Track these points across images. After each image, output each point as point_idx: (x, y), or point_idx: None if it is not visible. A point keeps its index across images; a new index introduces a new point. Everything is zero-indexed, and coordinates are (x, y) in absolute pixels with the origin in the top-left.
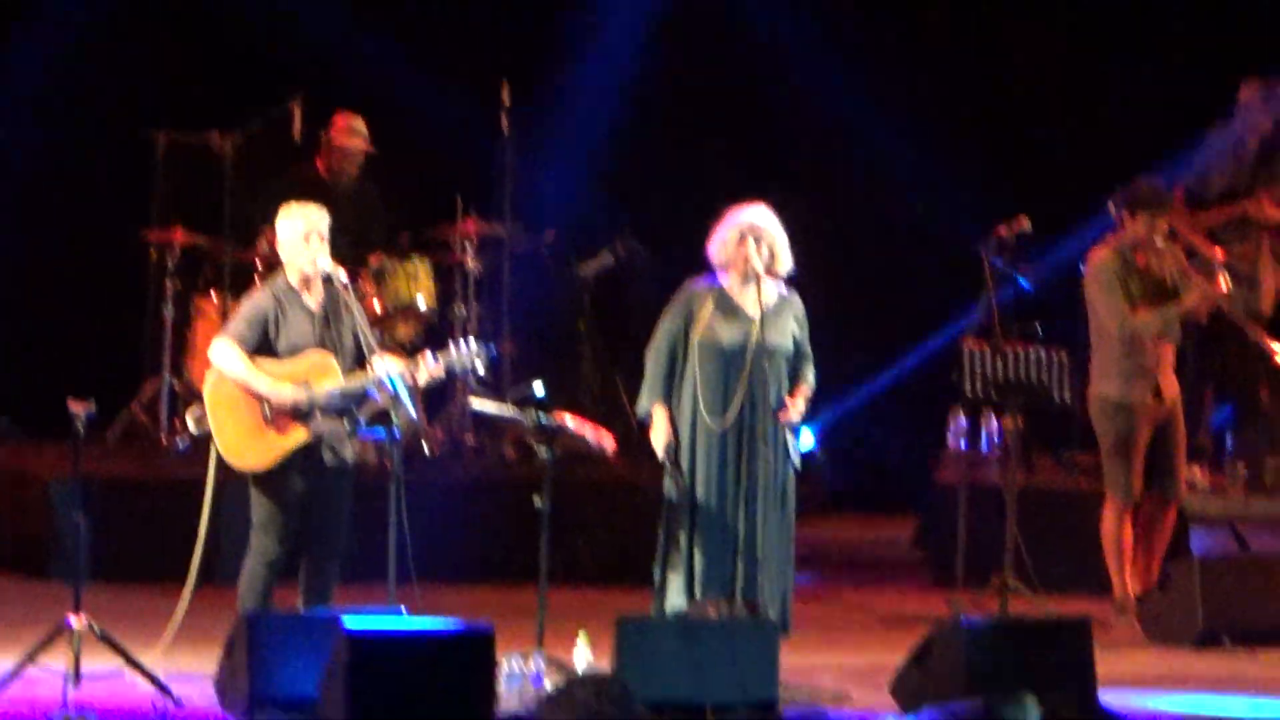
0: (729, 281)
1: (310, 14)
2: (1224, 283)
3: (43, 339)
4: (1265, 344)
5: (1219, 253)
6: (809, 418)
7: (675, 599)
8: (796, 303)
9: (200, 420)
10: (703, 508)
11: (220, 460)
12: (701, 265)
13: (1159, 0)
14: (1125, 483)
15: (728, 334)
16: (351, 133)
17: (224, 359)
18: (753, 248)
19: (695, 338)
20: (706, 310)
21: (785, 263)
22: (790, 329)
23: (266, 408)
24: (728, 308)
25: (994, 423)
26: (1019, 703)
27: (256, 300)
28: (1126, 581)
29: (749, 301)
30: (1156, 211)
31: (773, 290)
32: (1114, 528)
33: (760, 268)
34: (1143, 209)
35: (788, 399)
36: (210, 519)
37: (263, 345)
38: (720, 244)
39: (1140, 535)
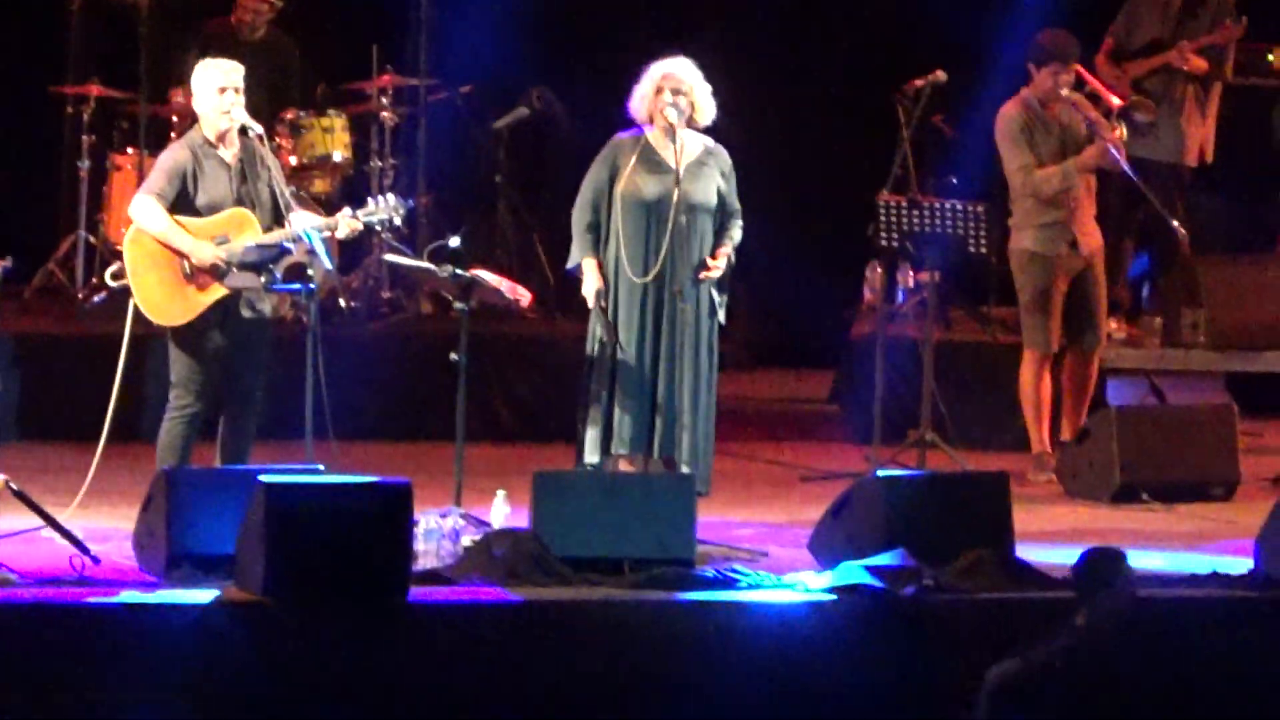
0: (653, 135)
1: None
2: (1121, 131)
3: None
4: (1151, 196)
5: (1118, 101)
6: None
7: (591, 454)
8: (723, 156)
9: (118, 276)
10: (622, 363)
11: (139, 316)
12: (621, 120)
13: None
14: (1043, 336)
15: (649, 187)
16: None
17: (145, 215)
18: (669, 99)
19: (618, 189)
20: (630, 163)
21: (706, 114)
22: (715, 183)
23: (187, 264)
24: (650, 160)
25: (910, 276)
26: (1117, 559)
27: (174, 154)
28: (1044, 436)
29: (671, 155)
30: (1061, 62)
31: (696, 143)
32: (1032, 381)
33: (677, 120)
34: (1048, 60)
35: (709, 258)
36: (130, 376)
37: (181, 201)
38: (640, 97)
39: (1066, 390)
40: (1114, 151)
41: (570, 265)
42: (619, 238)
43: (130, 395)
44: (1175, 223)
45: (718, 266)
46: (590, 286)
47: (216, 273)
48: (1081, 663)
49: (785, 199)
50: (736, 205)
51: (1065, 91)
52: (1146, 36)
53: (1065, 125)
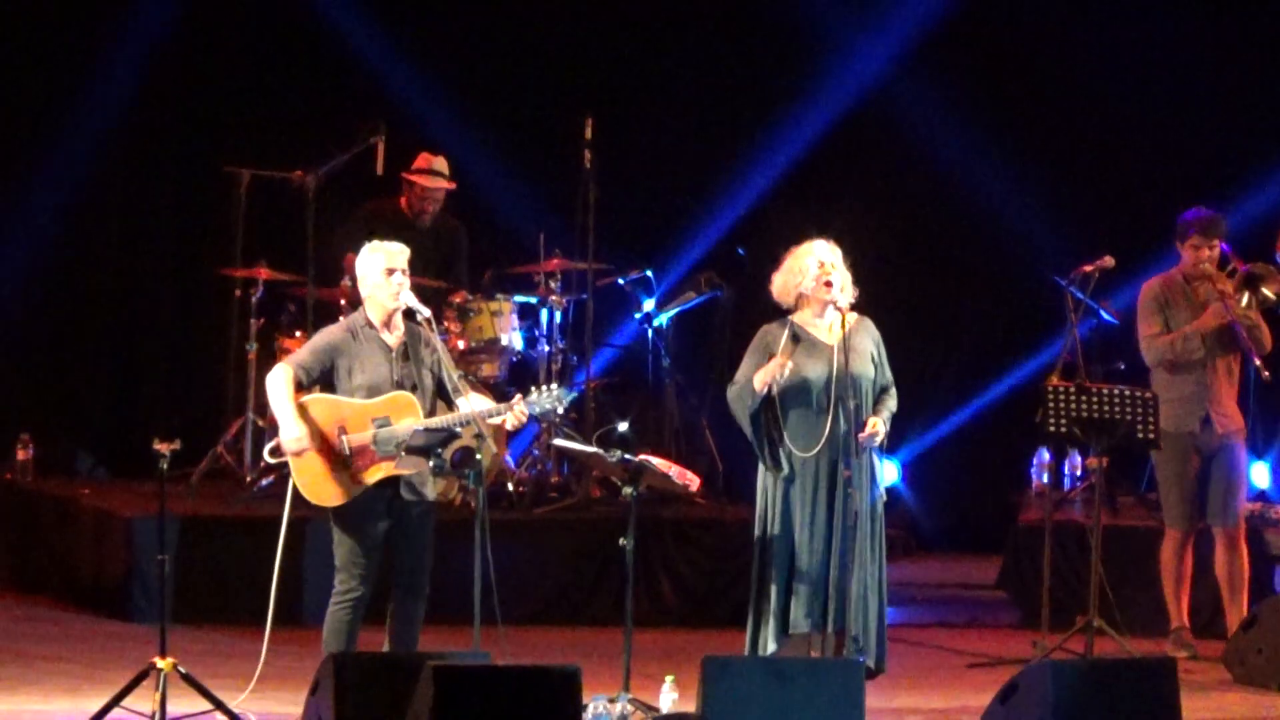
0: (802, 316)
1: (393, 49)
2: (1249, 299)
3: (128, 378)
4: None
5: (1244, 268)
6: (892, 448)
7: (771, 643)
8: (870, 326)
9: (276, 453)
10: (796, 542)
11: (302, 500)
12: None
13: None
14: (1177, 513)
15: (810, 368)
16: (432, 173)
17: (272, 380)
18: (832, 274)
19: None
20: (782, 346)
21: (850, 293)
22: (870, 354)
23: (345, 445)
24: (806, 341)
25: (1078, 461)
26: None
27: (329, 333)
28: (1183, 612)
29: (824, 333)
30: (1200, 234)
31: (844, 320)
32: (1171, 559)
33: (841, 298)
34: (1187, 233)
35: (867, 420)
36: (295, 559)
37: (329, 380)
38: (795, 273)
39: (1220, 577)
40: (1229, 317)
41: (754, 402)
42: (782, 420)
43: (293, 578)
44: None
45: (877, 428)
46: (771, 365)
47: (375, 453)
48: None
49: (953, 383)
50: (889, 376)
51: (1206, 266)
52: None
53: (1202, 306)
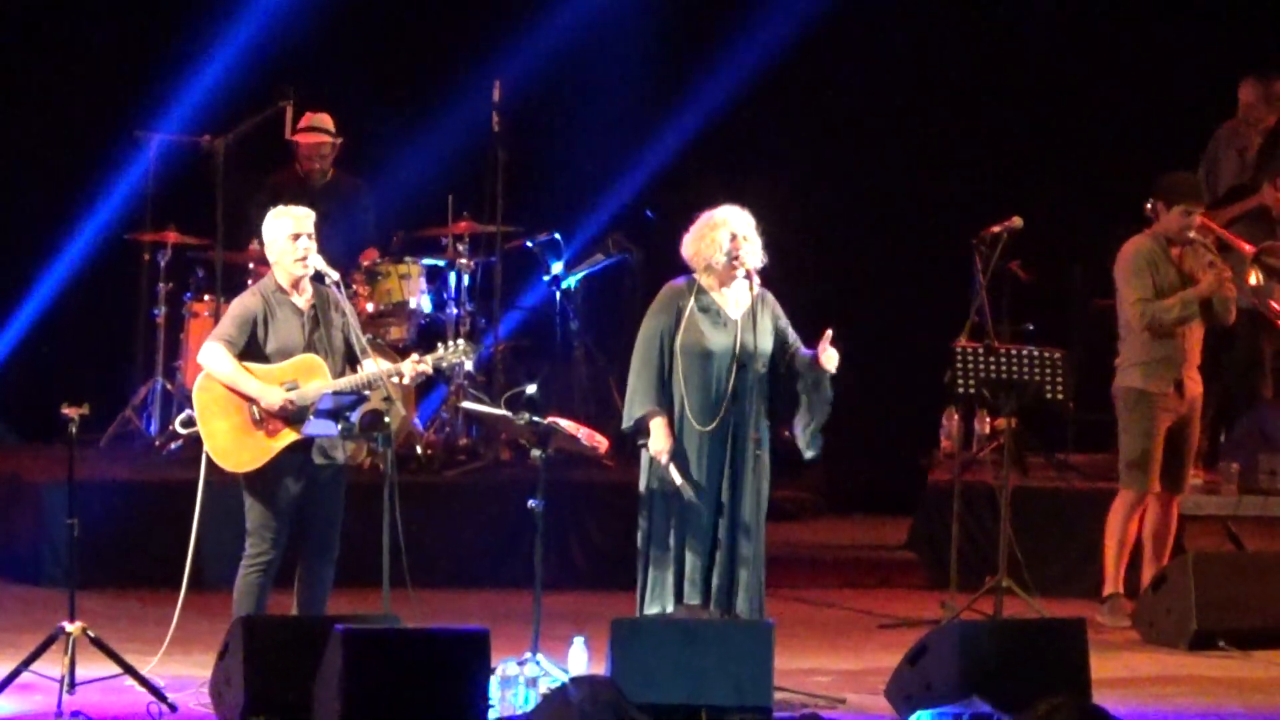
0: (709, 281)
1: (301, 14)
2: (1256, 277)
3: (35, 342)
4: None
5: (1249, 248)
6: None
7: (664, 601)
8: (770, 298)
9: (189, 422)
10: (690, 510)
11: (213, 463)
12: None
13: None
14: (1142, 476)
15: (713, 337)
16: (311, 130)
17: (212, 361)
18: (744, 247)
19: (679, 340)
20: (688, 311)
21: (760, 258)
22: (772, 328)
23: (255, 409)
24: (709, 310)
25: (987, 423)
26: None
27: (245, 301)
28: (1121, 577)
29: (730, 302)
30: (1192, 201)
31: (748, 289)
32: (1122, 520)
33: (751, 265)
34: (1178, 199)
35: (823, 341)
36: (203, 523)
37: (252, 347)
38: (708, 244)
39: (1148, 537)
40: (1229, 285)
41: (633, 421)
42: (681, 388)
43: (204, 542)
44: None
45: (830, 352)
46: (661, 444)
47: (287, 417)
48: None
49: (861, 345)
50: (795, 336)
51: (1193, 234)
52: (1226, 184)
53: (1185, 271)
